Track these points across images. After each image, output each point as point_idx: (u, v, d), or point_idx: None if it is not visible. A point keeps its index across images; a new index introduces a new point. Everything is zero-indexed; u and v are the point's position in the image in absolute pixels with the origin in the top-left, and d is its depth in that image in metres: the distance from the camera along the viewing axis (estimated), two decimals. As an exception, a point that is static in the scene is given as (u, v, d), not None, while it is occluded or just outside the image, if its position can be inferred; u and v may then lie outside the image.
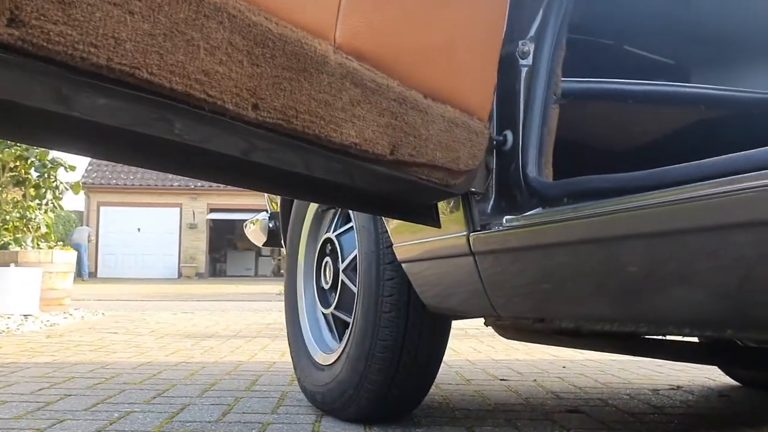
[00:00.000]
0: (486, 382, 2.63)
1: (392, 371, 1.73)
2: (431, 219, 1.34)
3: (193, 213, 24.06)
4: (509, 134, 1.39)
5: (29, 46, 0.64)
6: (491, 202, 1.38)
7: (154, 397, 2.20)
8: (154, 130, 0.80)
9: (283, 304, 2.36)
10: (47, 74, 0.68)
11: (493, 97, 1.28)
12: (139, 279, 21.54)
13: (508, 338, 1.78)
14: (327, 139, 0.96)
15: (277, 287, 12.44)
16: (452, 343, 3.93)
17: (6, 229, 6.24)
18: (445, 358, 1.92)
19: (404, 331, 1.71)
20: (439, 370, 1.85)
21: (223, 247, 26.96)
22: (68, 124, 0.76)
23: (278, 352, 3.51)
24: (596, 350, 1.65)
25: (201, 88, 0.79)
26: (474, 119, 1.22)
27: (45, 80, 0.69)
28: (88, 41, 0.68)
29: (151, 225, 24.05)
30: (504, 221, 1.28)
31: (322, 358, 2.00)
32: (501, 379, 2.70)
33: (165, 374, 2.73)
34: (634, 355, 1.70)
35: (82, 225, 22.73)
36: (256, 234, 2.70)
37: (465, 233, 1.35)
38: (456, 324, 2.45)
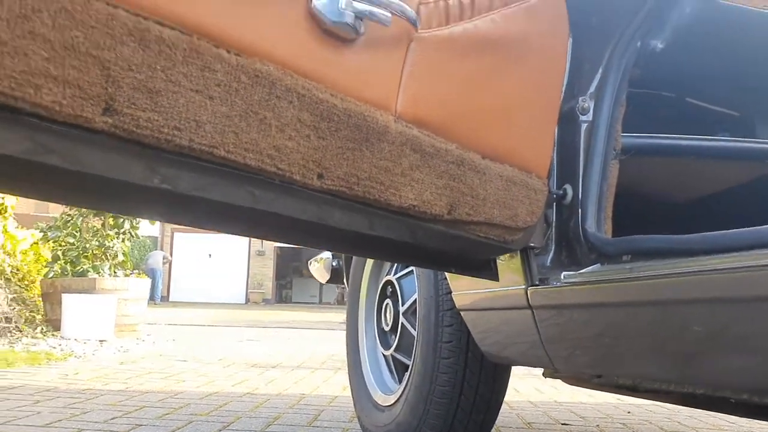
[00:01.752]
0: (547, 426, 2.60)
1: (450, 416, 1.75)
2: (490, 273, 1.36)
3: (262, 241, 24.60)
4: (569, 188, 1.41)
5: (121, 131, 0.72)
6: (550, 256, 1.39)
7: (220, 431, 2.28)
8: (230, 199, 0.87)
9: (345, 333, 2.41)
10: (140, 155, 0.76)
11: (552, 154, 1.31)
12: (208, 303, 22.08)
13: (569, 384, 1.77)
14: (386, 203, 1.01)
15: (341, 316, 12.54)
16: (514, 382, 3.90)
17: (86, 257, 6.55)
18: (506, 398, 1.92)
19: (462, 377, 1.73)
20: (499, 413, 1.86)
21: (289, 274, 27.42)
22: (156, 196, 0.83)
23: (340, 386, 3.56)
24: (658, 401, 1.63)
25: (272, 162, 0.85)
26: (533, 177, 1.25)
27: (137, 160, 0.76)
28: (172, 125, 0.75)
29: (222, 251, 24.72)
30: (562, 277, 1.29)
31: (382, 398, 2.04)
32: (563, 424, 2.67)
33: (231, 406, 2.81)
34: (696, 408, 1.67)
35: (156, 249, 23.55)
36: (319, 272, 2.77)
37: (523, 287, 1.37)
38: (517, 367, 2.44)
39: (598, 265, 1.29)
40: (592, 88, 1.44)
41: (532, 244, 1.34)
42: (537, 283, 1.36)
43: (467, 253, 1.30)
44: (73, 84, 0.67)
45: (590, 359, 1.32)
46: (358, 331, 2.25)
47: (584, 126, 1.43)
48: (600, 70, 1.44)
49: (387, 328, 2.11)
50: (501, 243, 1.24)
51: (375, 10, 0.91)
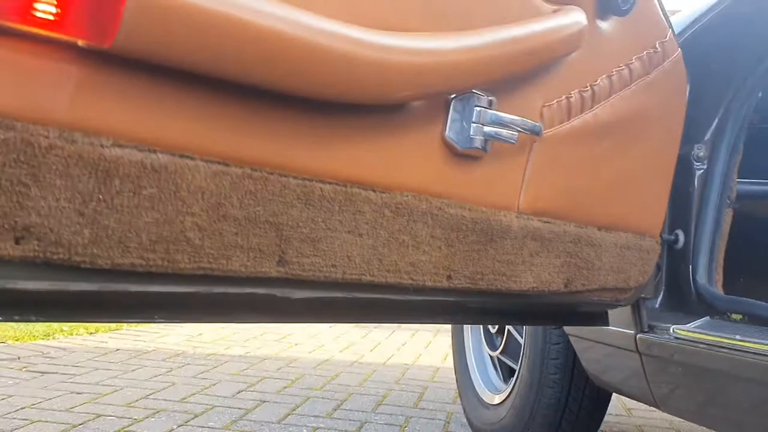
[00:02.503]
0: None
1: (554, 427, 1.86)
2: (601, 322, 1.44)
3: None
4: (680, 234, 1.45)
5: (291, 276, 0.84)
6: (659, 302, 1.45)
7: (335, 410, 2.49)
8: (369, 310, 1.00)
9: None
10: (301, 287, 0.89)
11: (665, 214, 1.35)
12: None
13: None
14: (507, 290, 1.10)
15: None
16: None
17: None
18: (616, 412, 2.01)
19: (568, 392, 1.83)
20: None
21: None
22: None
23: (440, 355, 3.73)
24: None
25: (408, 276, 0.96)
26: (645, 238, 1.30)
27: (298, 302, 0.89)
28: (329, 264, 0.87)
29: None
30: (672, 331, 1.35)
31: (488, 396, 2.17)
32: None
33: (342, 378, 3.03)
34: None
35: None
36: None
37: (632, 333, 1.44)
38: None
39: (708, 318, 1.34)
40: (707, 135, 1.45)
41: (642, 295, 1.40)
42: (646, 330, 1.42)
43: (578, 312, 1.38)
44: (255, 249, 0.79)
45: (694, 410, 1.39)
46: (464, 329, 2.37)
47: (698, 173, 1.45)
48: (717, 118, 1.44)
49: (493, 330, 2.22)
50: (613, 302, 1.31)
51: (502, 131, 0.98)
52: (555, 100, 1.09)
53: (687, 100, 1.32)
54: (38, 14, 0.59)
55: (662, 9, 1.25)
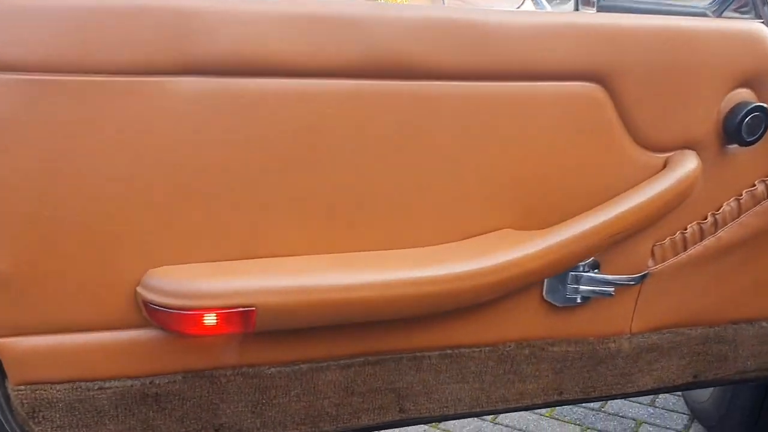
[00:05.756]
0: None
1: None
2: None
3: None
4: None
5: (410, 419, 1.13)
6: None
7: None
8: None
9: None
10: None
11: None
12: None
13: None
14: (623, 394, 1.23)
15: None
16: None
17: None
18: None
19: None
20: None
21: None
22: None
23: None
24: None
25: (516, 402, 1.17)
26: None
27: None
28: (441, 407, 1.13)
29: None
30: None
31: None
32: None
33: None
34: None
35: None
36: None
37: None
38: None
39: None
40: None
41: None
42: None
43: None
44: (378, 408, 1.10)
45: None
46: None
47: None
48: None
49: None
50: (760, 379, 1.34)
51: (599, 289, 1.10)
52: (668, 238, 1.14)
53: None
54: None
55: None
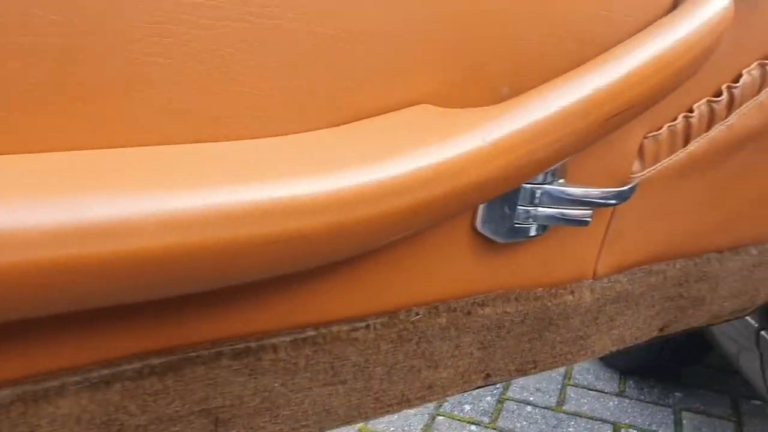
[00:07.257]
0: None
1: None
2: None
3: None
4: None
5: None
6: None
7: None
8: None
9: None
10: None
11: None
12: None
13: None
14: (574, 361, 0.84)
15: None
16: None
17: None
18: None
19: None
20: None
21: None
22: None
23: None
24: None
25: (424, 397, 0.72)
26: None
27: None
28: (300, 425, 0.65)
29: None
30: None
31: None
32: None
33: None
34: None
35: None
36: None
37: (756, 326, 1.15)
38: None
39: None
40: None
41: None
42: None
43: None
44: (196, 428, 0.58)
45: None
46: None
47: None
48: None
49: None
50: (729, 318, 1.01)
51: (568, 212, 0.65)
52: (666, 126, 0.70)
53: None
54: None
55: None
